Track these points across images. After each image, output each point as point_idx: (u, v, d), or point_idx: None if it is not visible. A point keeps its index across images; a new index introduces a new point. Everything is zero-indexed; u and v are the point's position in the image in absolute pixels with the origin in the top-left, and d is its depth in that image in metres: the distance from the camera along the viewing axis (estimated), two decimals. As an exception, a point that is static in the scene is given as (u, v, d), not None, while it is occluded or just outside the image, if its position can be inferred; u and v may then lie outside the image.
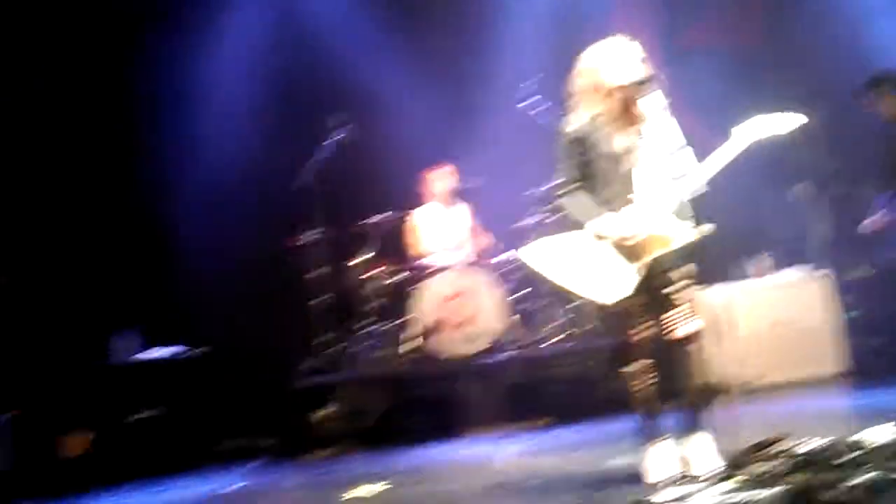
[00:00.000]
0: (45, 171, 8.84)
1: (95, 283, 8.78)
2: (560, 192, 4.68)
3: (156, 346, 8.10)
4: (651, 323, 4.58)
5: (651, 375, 4.62)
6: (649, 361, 4.61)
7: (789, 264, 8.25)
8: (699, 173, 4.43)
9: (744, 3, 9.45)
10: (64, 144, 8.91)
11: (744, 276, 8.27)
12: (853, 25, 8.96)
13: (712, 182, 4.48)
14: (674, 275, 4.53)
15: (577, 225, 4.59)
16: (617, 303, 4.51)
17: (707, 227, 4.47)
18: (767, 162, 8.75)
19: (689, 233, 4.44)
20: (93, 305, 8.60)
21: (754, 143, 4.47)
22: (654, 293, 4.55)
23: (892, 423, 4.26)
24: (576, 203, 4.60)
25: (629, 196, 4.52)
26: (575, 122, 4.64)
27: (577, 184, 4.61)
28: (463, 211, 8.78)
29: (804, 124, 4.54)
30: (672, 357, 4.56)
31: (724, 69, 8.82)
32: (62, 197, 8.88)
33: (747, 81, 8.73)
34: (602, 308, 4.66)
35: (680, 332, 4.52)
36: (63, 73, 8.85)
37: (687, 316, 4.52)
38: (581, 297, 4.65)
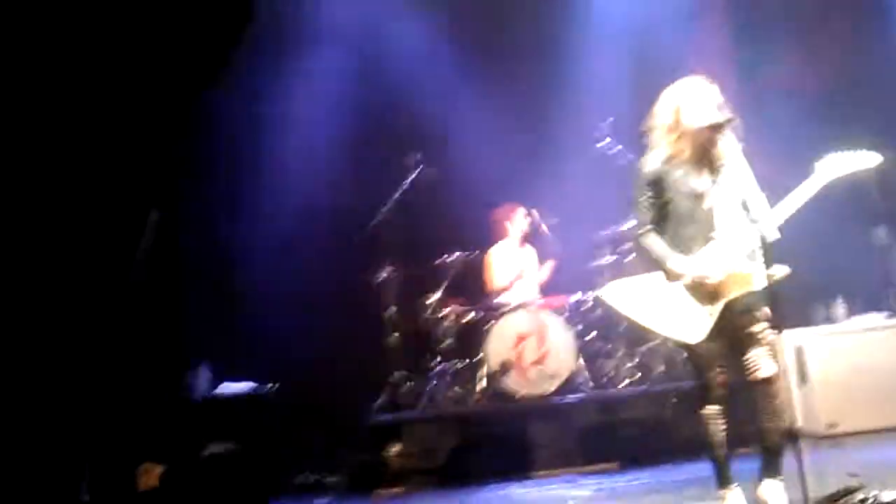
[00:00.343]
0: (120, 201, 9.01)
1: (170, 317, 8.92)
2: (637, 232, 4.71)
3: (227, 381, 8.19)
4: (728, 366, 4.57)
5: (726, 419, 4.60)
6: (724, 405, 4.59)
7: (866, 310, 8.11)
8: (779, 212, 4.44)
9: (818, 43, 9.37)
10: (132, 175, 9.09)
11: (819, 322, 8.15)
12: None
13: (788, 224, 4.47)
14: (752, 317, 4.53)
15: (655, 265, 4.62)
16: (696, 344, 4.51)
17: (782, 269, 4.45)
18: (845, 205, 8.68)
19: (764, 275, 4.42)
20: (167, 339, 8.74)
21: (832, 182, 4.46)
22: (732, 335, 4.56)
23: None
24: (653, 243, 4.62)
25: (708, 236, 4.54)
26: (653, 161, 4.67)
27: (654, 224, 4.65)
28: (531, 252, 8.84)
29: (881, 165, 4.52)
30: (753, 399, 4.56)
31: (798, 110, 8.74)
32: (140, 228, 9.05)
33: (821, 123, 8.64)
34: (682, 349, 4.67)
35: (761, 374, 4.50)
36: (138, 98, 9.03)
37: (767, 358, 4.49)
38: (659, 337, 4.65)
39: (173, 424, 7.74)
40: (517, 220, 8.79)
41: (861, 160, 4.50)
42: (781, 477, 4.53)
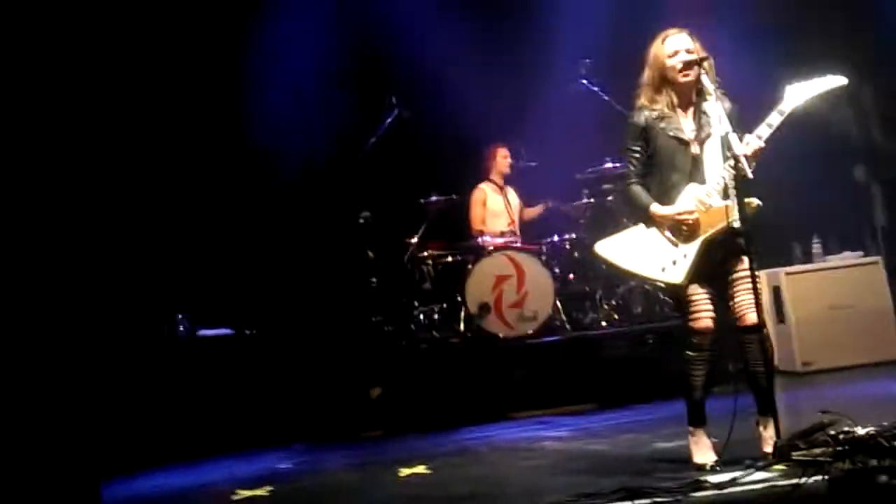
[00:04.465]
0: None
1: (151, 263, 8.85)
2: (625, 183, 4.86)
3: (203, 329, 8.18)
4: (715, 311, 4.64)
5: (706, 364, 4.67)
6: (707, 350, 4.65)
7: (842, 249, 8.15)
8: (754, 138, 4.49)
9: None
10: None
11: (796, 260, 8.19)
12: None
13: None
14: (736, 261, 4.61)
15: (638, 213, 4.77)
16: (680, 287, 4.63)
17: (754, 202, 4.54)
18: (823, 144, 8.68)
19: (739, 210, 4.49)
20: (148, 285, 8.70)
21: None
22: (718, 280, 4.66)
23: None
24: (636, 193, 4.76)
25: (695, 180, 4.64)
26: (639, 113, 4.78)
27: (640, 175, 4.78)
28: (513, 193, 8.84)
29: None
30: (739, 343, 4.62)
31: (777, 47, 8.64)
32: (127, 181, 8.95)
33: (802, 63, 8.57)
34: (669, 293, 4.85)
35: (747, 321, 4.57)
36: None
37: (752, 305, 4.55)
38: (647, 279, 4.76)
39: (158, 366, 7.72)
40: (498, 161, 8.77)
41: (828, 83, 4.55)
42: (769, 415, 4.56)
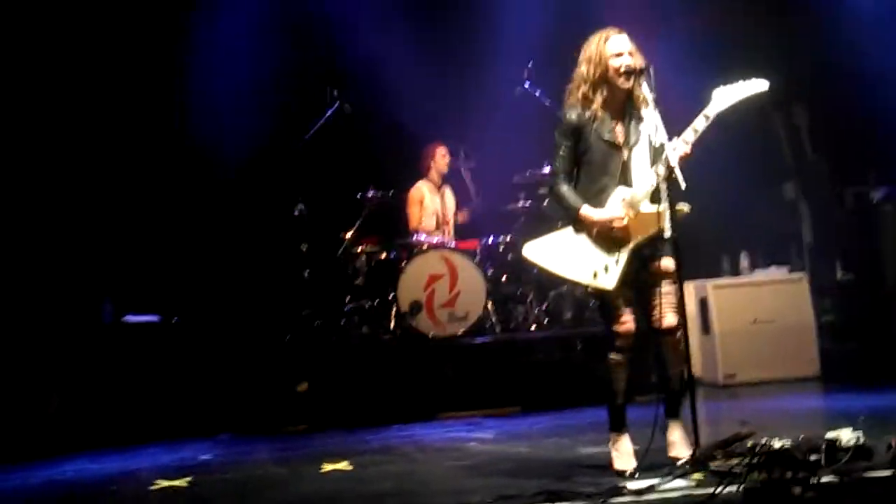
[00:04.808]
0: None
1: (82, 247, 8.73)
2: (552, 181, 4.81)
3: (130, 314, 8.08)
4: (637, 316, 4.68)
5: (628, 369, 4.71)
6: (629, 354, 4.69)
7: (769, 264, 8.32)
8: (679, 142, 4.49)
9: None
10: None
11: (724, 273, 8.33)
12: (845, 23, 8.88)
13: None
14: (658, 267, 4.64)
15: (565, 213, 4.73)
16: (607, 292, 4.62)
17: (684, 206, 4.56)
18: (754, 160, 8.85)
19: (669, 216, 4.53)
20: (80, 270, 8.57)
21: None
22: (640, 285, 4.68)
23: (855, 427, 4.33)
24: (565, 192, 4.71)
25: (624, 184, 4.64)
26: (573, 111, 4.73)
27: (569, 173, 4.74)
28: (450, 193, 8.86)
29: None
30: (657, 347, 4.68)
31: (709, 62, 8.75)
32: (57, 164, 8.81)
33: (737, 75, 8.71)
34: (594, 296, 4.84)
35: (664, 324, 4.62)
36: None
37: (671, 308, 4.61)
38: (572, 284, 4.74)
39: (76, 352, 7.61)
40: (436, 160, 8.78)
41: (752, 87, 4.57)
42: (681, 421, 4.67)
